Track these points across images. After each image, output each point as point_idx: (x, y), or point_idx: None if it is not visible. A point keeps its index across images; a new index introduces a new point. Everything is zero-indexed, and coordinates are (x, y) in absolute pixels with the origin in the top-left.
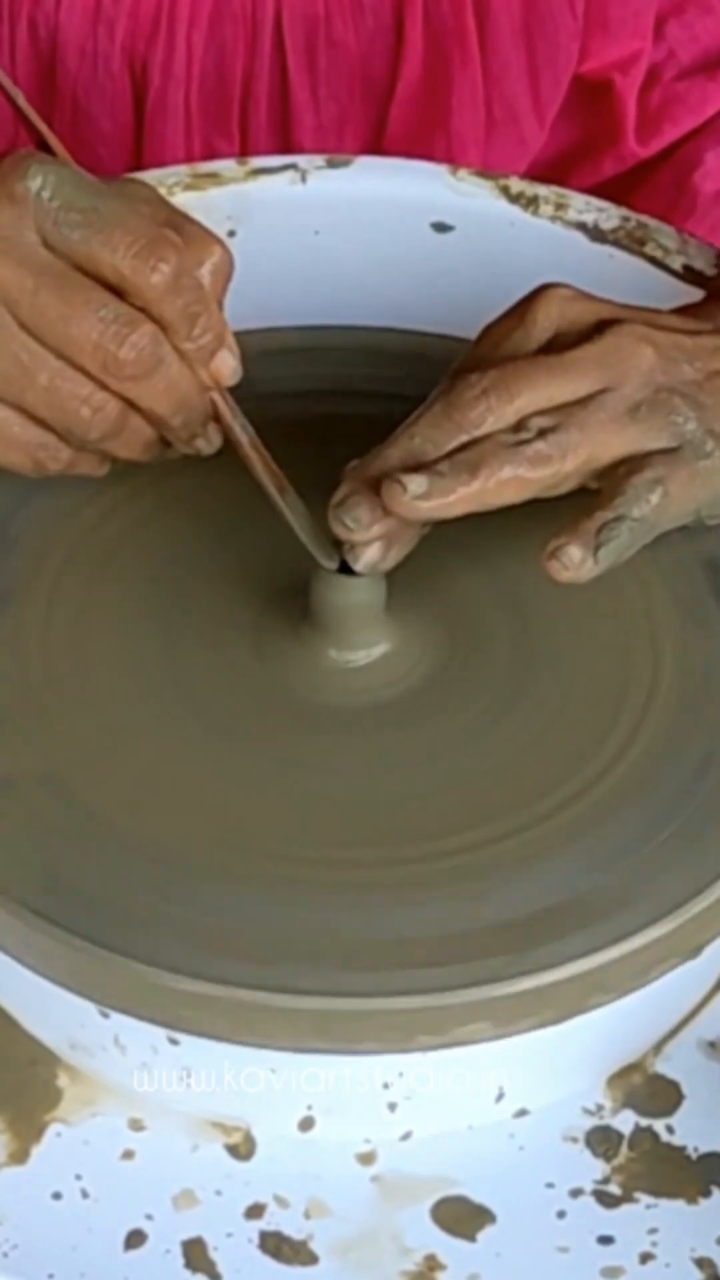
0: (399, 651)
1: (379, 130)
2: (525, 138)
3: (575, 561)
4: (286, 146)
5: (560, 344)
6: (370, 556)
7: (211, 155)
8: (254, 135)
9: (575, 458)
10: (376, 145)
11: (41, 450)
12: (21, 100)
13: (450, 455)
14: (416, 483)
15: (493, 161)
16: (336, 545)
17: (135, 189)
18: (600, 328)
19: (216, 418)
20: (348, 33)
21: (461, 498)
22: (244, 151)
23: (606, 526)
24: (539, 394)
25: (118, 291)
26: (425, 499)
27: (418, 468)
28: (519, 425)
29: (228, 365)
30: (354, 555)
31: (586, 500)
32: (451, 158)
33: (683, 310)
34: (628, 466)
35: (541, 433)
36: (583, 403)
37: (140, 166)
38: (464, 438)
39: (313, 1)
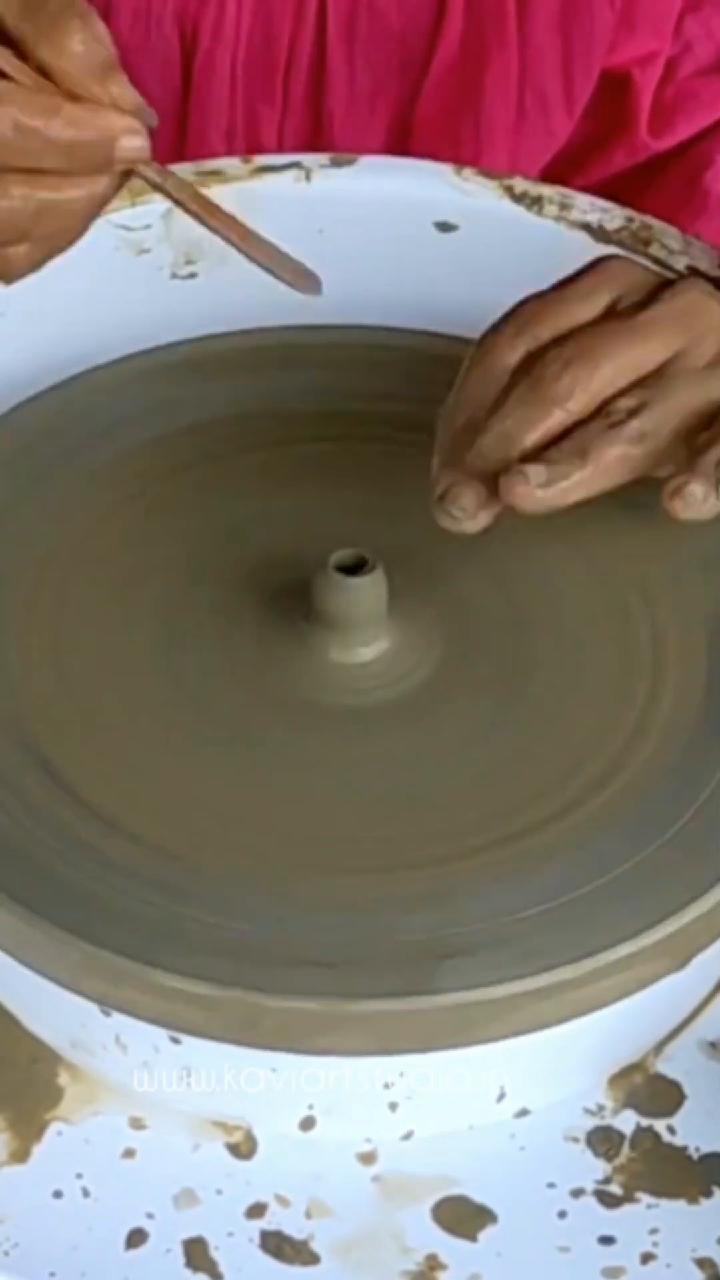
0: (401, 651)
1: (410, 105)
2: (554, 128)
3: (699, 498)
4: (317, 114)
5: (624, 309)
6: (467, 502)
7: (254, 120)
8: (292, 101)
9: (668, 429)
10: (406, 120)
11: None
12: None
13: (554, 443)
14: (536, 472)
15: (520, 151)
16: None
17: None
18: (662, 290)
19: (159, 189)
20: (390, 5)
21: (577, 484)
22: (283, 118)
23: None
24: (622, 359)
25: None
26: (545, 488)
27: (523, 459)
28: (605, 411)
29: (131, 151)
30: (452, 508)
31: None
32: (479, 141)
33: None
34: None
35: (631, 414)
36: (659, 374)
37: (186, 129)
38: (557, 412)
39: None
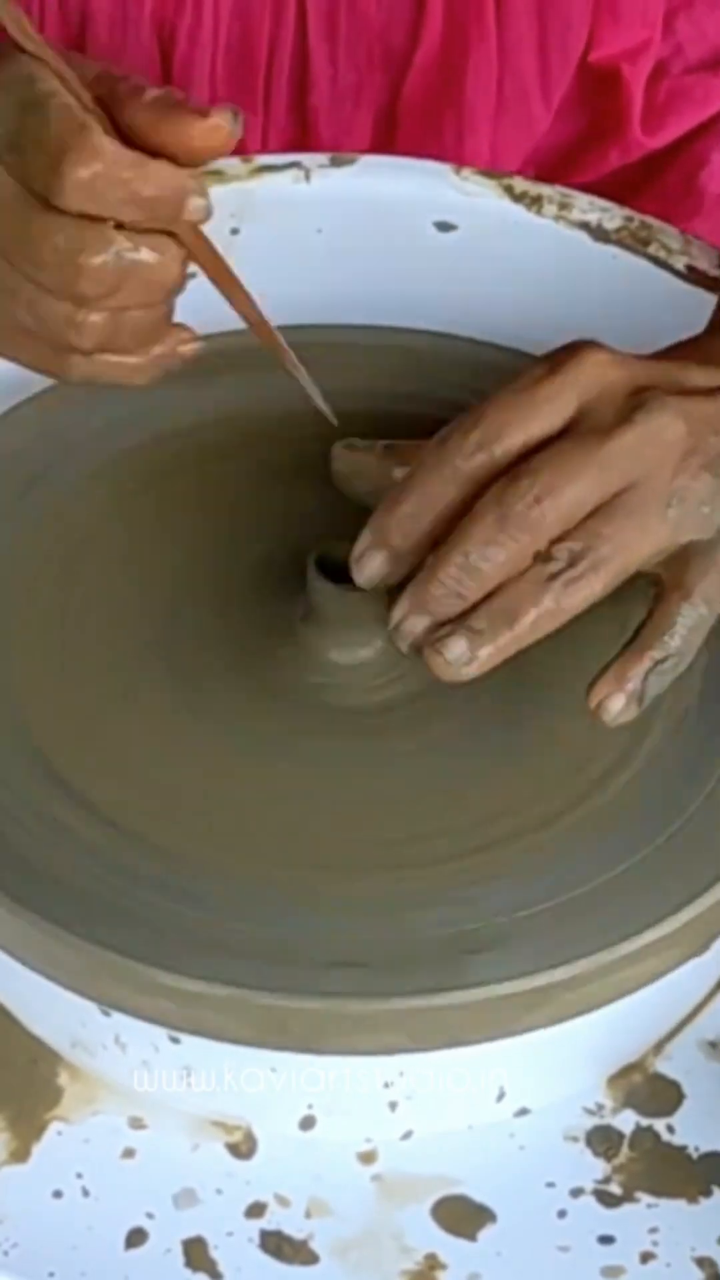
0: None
1: (393, 99)
2: (532, 118)
3: (616, 712)
4: (301, 112)
5: (590, 427)
6: (372, 573)
7: None
8: (275, 102)
9: (607, 574)
10: (391, 114)
11: (54, 360)
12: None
13: (483, 603)
14: (455, 649)
15: (500, 140)
16: None
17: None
18: (634, 402)
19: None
20: (369, 1)
21: (500, 650)
22: (266, 120)
23: (655, 670)
24: (584, 494)
25: None
26: (468, 665)
27: (449, 622)
28: (546, 553)
29: (197, 211)
30: (359, 570)
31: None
32: (460, 131)
33: (695, 350)
34: (676, 593)
35: (572, 557)
36: (609, 512)
37: None
38: (519, 548)
39: None
